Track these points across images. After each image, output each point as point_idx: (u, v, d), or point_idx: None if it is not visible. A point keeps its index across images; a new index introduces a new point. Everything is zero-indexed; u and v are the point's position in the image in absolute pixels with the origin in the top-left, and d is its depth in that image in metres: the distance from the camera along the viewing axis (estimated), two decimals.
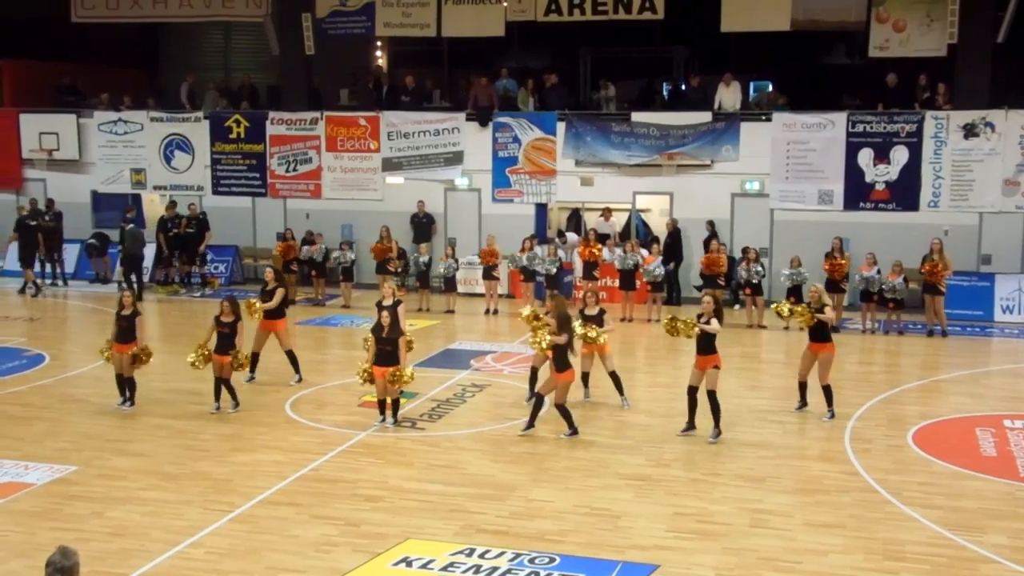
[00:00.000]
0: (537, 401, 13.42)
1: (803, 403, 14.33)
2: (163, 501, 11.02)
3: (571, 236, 23.90)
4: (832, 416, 13.93)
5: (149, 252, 24.74)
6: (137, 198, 27.13)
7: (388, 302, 14.47)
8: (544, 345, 13.16)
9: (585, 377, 14.69)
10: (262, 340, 15.80)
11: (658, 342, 17.53)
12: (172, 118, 26.29)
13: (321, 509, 10.80)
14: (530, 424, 13.31)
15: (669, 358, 18.06)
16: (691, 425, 13.25)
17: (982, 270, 21.60)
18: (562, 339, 12.93)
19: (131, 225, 24.23)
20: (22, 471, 11.91)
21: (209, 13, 26.55)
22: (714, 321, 12.97)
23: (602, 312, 14.55)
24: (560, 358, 13.00)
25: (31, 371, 16.75)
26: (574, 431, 13.15)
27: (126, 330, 14.23)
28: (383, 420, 13.67)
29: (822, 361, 13.99)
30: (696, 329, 12.93)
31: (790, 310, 14.28)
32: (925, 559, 9.56)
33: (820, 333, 14.03)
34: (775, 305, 14.78)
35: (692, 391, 13.21)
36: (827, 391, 14.02)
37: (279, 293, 15.80)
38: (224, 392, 14.24)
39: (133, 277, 23.29)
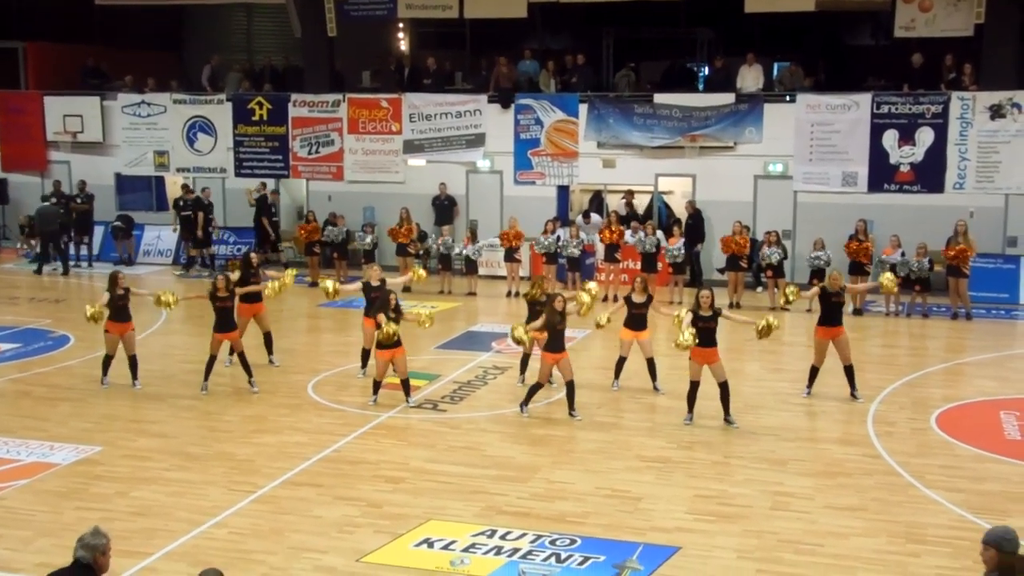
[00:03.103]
0: (568, 387, 13.36)
1: (809, 390, 14.20)
2: (187, 481, 11.12)
3: (595, 217, 23.85)
4: (856, 397, 13.87)
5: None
6: (160, 180, 27.34)
7: (376, 283, 14.81)
8: (517, 335, 13.52)
9: (621, 363, 14.56)
10: (243, 326, 15.35)
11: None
12: (195, 100, 26.39)
13: (343, 490, 10.86)
14: (571, 408, 13.29)
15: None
16: (691, 416, 13.08)
17: (1008, 252, 21.39)
18: (542, 337, 13.19)
19: (45, 203, 24.61)
20: (47, 451, 12.04)
21: None
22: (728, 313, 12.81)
23: (650, 299, 14.37)
24: (554, 341, 13.11)
25: (56, 352, 16.91)
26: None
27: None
28: (375, 401, 13.80)
29: (840, 344, 13.92)
30: (686, 335, 12.53)
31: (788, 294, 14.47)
32: (948, 542, 9.54)
33: (832, 317, 13.95)
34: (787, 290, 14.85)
35: (696, 387, 12.97)
36: (849, 371, 13.95)
37: (253, 284, 15.61)
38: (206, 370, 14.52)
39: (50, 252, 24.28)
